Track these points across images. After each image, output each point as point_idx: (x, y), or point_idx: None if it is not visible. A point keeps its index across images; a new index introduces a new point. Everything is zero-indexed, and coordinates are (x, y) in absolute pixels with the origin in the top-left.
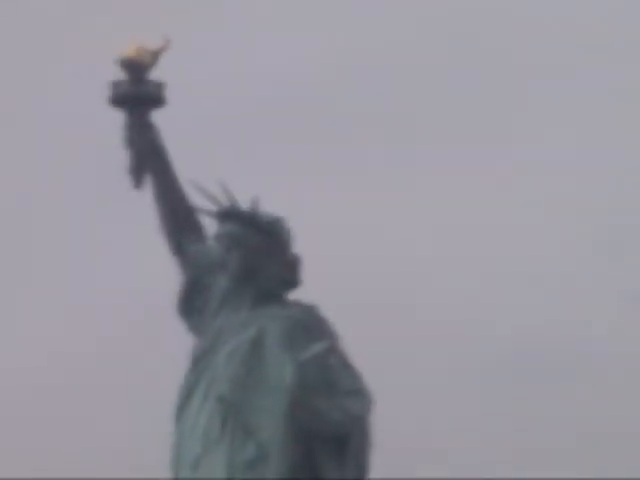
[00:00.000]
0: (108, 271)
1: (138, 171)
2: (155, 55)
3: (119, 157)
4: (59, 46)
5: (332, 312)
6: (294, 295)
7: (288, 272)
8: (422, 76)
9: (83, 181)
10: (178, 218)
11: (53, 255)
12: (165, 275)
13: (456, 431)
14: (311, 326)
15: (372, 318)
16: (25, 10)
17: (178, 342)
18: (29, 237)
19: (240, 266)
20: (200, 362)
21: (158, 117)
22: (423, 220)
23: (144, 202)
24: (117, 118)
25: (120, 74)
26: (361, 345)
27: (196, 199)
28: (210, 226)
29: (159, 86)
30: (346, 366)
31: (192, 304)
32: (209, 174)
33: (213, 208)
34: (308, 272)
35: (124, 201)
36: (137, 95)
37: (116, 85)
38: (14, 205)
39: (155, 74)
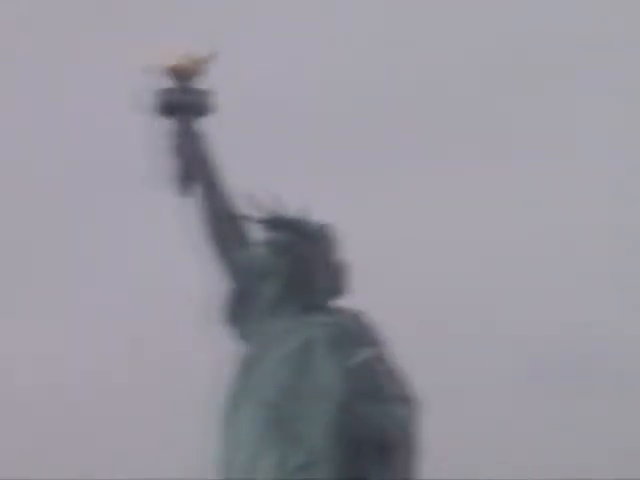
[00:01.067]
0: (140, 271)
1: (185, 179)
2: (202, 63)
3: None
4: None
5: (377, 317)
6: (341, 302)
7: (335, 279)
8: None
9: (108, 174)
10: (225, 226)
11: (83, 255)
12: (197, 276)
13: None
14: (358, 333)
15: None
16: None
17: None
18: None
19: (287, 274)
20: (248, 369)
21: (205, 124)
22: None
23: (174, 201)
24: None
25: (167, 82)
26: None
27: (243, 206)
28: (257, 233)
29: (206, 94)
30: (393, 372)
31: (239, 312)
32: (257, 181)
33: (260, 215)
34: (355, 279)
35: (153, 201)
36: (184, 103)
37: (163, 93)
38: (34, 208)
39: (203, 82)
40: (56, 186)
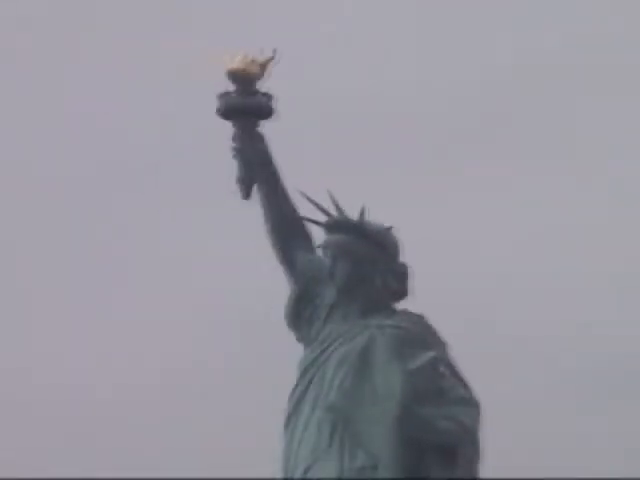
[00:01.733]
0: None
1: (247, 182)
2: (263, 66)
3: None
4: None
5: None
6: (402, 305)
7: (396, 282)
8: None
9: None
10: (286, 228)
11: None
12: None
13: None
14: (419, 335)
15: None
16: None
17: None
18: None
19: (348, 276)
20: (309, 371)
21: (266, 128)
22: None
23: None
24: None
25: (228, 85)
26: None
27: (304, 209)
28: (318, 236)
29: (268, 97)
30: (455, 375)
31: (301, 314)
32: (317, 184)
33: (321, 218)
34: (415, 283)
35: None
36: (246, 107)
37: (225, 97)
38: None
39: (263, 85)
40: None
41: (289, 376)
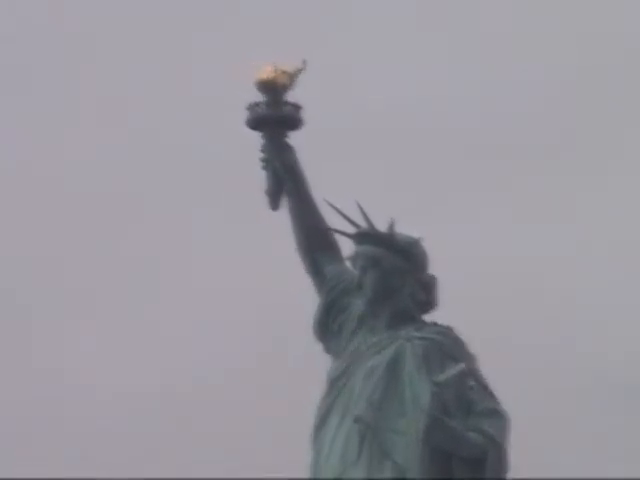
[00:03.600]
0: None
1: (276, 193)
2: (292, 77)
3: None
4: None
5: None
6: (431, 316)
7: (424, 293)
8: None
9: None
10: (315, 239)
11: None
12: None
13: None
14: (448, 347)
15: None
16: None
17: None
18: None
19: (376, 287)
20: (337, 383)
21: (295, 138)
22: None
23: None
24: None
25: (257, 96)
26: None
27: (332, 220)
28: (346, 247)
29: (296, 108)
30: (483, 387)
31: (329, 326)
32: (346, 195)
33: (350, 229)
34: (444, 295)
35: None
36: (274, 117)
37: (254, 107)
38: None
39: (292, 96)
40: (124, 201)
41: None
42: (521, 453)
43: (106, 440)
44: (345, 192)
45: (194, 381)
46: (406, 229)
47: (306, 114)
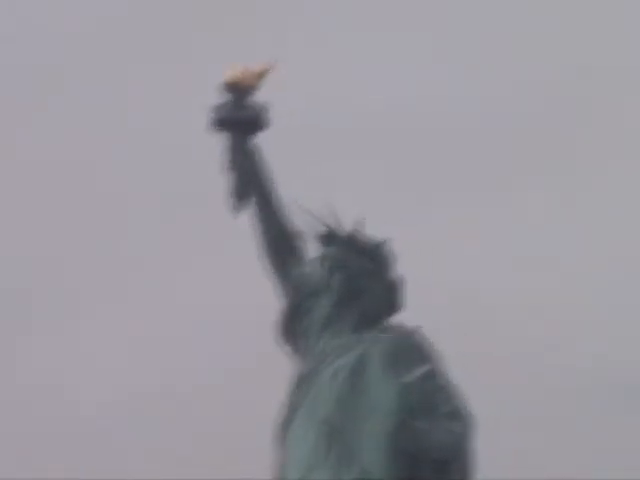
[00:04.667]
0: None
1: (240, 194)
2: (259, 77)
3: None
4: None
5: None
6: (396, 318)
7: (391, 295)
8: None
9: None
10: (280, 241)
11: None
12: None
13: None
14: (413, 349)
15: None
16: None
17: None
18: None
19: (343, 289)
20: (303, 384)
21: (261, 139)
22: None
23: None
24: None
25: (223, 96)
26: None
27: (299, 221)
28: (312, 248)
29: (262, 109)
30: (448, 388)
31: (295, 328)
32: (312, 195)
33: (316, 230)
34: (410, 296)
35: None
36: (240, 119)
37: (218, 109)
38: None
39: (258, 96)
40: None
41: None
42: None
43: (106, 440)
44: (344, 191)
45: (194, 381)
46: (404, 227)
47: (271, 114)
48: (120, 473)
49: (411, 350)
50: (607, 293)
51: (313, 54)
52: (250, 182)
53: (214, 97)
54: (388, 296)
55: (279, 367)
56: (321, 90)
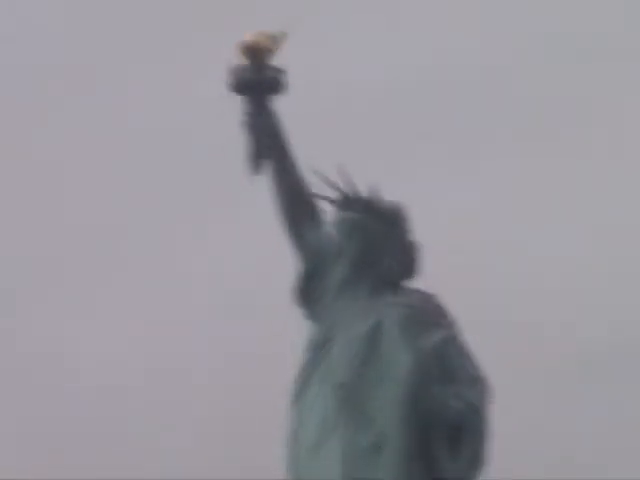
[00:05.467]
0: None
1: (257, 157)
2: (276, 41)
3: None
4: None
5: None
6: (413, 283)
7: (407, 260)
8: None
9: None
10: (297, 204)
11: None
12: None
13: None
14: (429, 314)
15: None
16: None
17: None
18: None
19: (359, 253)
20: (318, 349)
21: (278, 103)
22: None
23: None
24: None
25: (241, 60)
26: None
27: (315, 185)
28: (329, 213)
29: (279, 72)
30: (464, 354)
31: (310, 291)
32: (329, 160)
33: (333, 195)
34: (427, 261)
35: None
36: (257, 81)
37: (237, 71)
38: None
39: (276, 60)
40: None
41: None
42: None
43: (99, 426)
44: (329, 157)
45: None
46: (390, 194)
47: (289, 78)
48: (122, 439)
49: (427, 315)
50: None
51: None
52: (267, 144)
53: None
54: (404, 260)
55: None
56: (308, 61)
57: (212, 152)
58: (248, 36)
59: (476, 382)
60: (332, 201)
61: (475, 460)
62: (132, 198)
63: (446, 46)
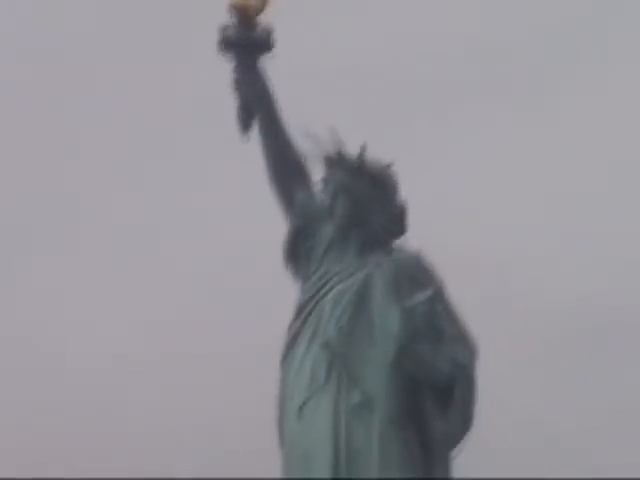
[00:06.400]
0: None
1: (246, 115)
2: (266, 0)
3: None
4: None
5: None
6: (400, 243)
7: (394, 220)
8: None
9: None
10: (285, 164)
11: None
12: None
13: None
14: (417, 273)
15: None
16: None
17: None
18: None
19: (346, 213)
20: (305, 308)
21: (266, 63)
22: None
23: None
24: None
25: (229, 19)
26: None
27: (304, 145)
28: (317, 173)
29: (267, 31)
30: (452, 313)
31: (298, 250)
32: (317, 120)
33: (320, 154)
34: (413, 221)
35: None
36: (245, 40)
37: (225, 30)
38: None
39: (264, 19)
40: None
41: None
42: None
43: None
44: (316, 117)
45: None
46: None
47: (278, 37)
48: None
49: (414, 274)
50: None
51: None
52: (255, 103)
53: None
54: (392, 220)
55: None
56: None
57: None
58: None
59: (463, 342)
60: (320, 161)
61: (464, 420)
62: None
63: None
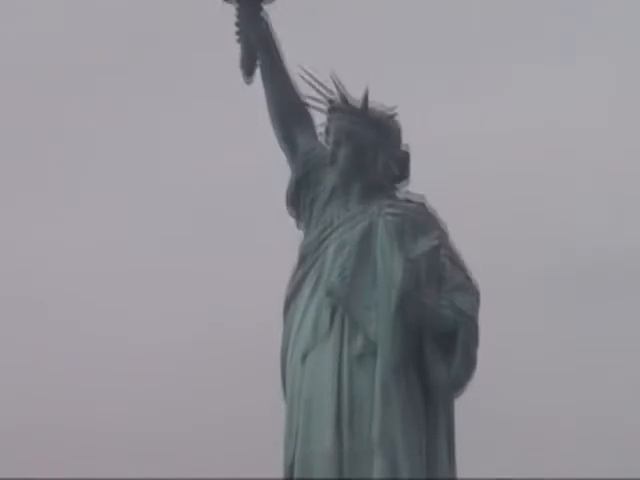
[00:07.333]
0: None
1: (249, 63)
2: None
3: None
4: None
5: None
6: (403, 190)
7: (398, 168)
8: None
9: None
10: (288, 111)
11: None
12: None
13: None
14: (420, 221)
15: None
16: None
17: None
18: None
19: (349, 161)
20: (308, 256)
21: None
22: None
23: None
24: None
25: None
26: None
27: (306, 92)
28: (320, 120)
29: None
30: (454, 261)
31: (301, 198)
32: (321, 68)
33: (323, 101)
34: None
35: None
36: None
37: None
38: None
39: None
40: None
41: None
42: None
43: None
44: (321, 64)
45: None
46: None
47: None
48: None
49: (418, 221)
50: None
51: None
52: (258, 50)
53: None
54: (395, 169)
55: None
56: None
57: None
58: None
59: (466, 290)
60: (323, 108)
61: (467, 366)
62: None
63: None
